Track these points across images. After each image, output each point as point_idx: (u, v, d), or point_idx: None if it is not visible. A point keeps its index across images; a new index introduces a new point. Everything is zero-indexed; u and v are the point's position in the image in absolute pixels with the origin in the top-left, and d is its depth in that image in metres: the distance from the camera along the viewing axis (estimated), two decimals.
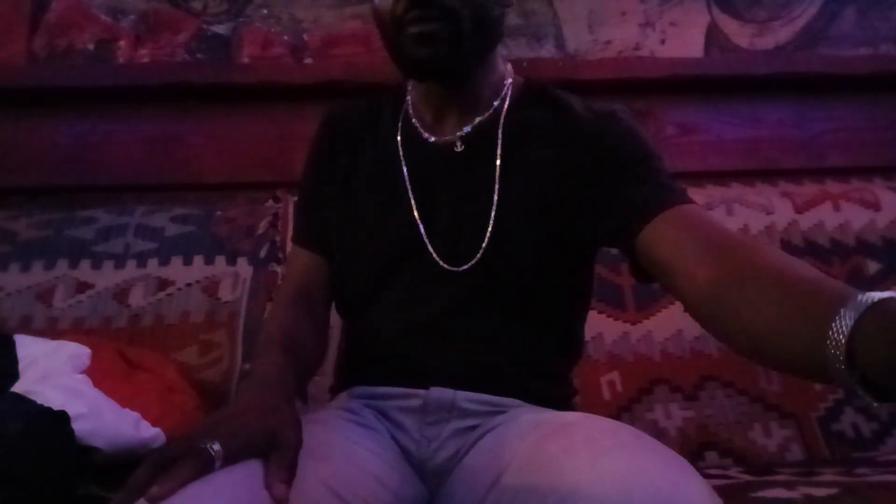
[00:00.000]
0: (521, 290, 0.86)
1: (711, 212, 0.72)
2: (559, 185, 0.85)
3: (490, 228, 0.84)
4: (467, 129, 0.88)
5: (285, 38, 1.60)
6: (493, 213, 0.84)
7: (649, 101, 1.62)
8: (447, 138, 0.88)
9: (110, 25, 1.59)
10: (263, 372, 0.77)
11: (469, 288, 0.85)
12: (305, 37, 1.60)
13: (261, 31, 1.60)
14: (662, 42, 1.65)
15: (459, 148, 0.88)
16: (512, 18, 1.63)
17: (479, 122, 0.88)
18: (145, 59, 1.58)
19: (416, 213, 0.86)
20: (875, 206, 1.43)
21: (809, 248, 1.37)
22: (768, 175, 1.57)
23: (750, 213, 1.41)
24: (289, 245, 1.12)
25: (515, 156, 0.87)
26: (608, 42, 1.64)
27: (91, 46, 1.58)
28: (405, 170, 0.89)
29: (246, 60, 1.59)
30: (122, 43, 1.58)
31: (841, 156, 1.63)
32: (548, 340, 0.89)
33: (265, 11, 1.60)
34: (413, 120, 0.91)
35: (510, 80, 0.91)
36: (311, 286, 0.93)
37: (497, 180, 0.85)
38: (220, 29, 1.60)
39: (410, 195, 0.87)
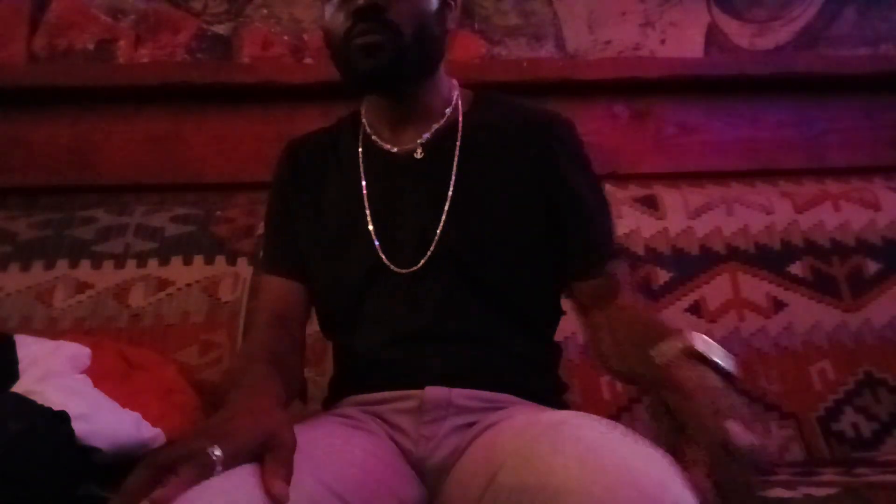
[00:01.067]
0: (489, 281, 0.89)
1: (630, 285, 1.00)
2: (515, 181, 0.91)
3: (441, 225, 0.88)
4: (427, 135, 0.93)
5: (285, 38, 1.60)
6: (445, 211, 0.89)
7: (649, 101, 1.62)
8: (407, 147, 0.93)
9: (110, 25, 1.59)
10: (251, 380, 0.77)
11: (438, 288, 0.88)
12: (305, 37, 1.60)
13: (261, 31, 1.60)
14: (662, 42, 1.65)
15: (420, 155, 0.92)
16: (512, 18, 1.63)
17: (437, 129, 0.93)
18: (145, 59, 1.58)
19: (370, 226, 0.91)
20: (875, 206, 1.43)
21: (809, 248, 1.37)
22: (768, 175, 1.56)
23: (750, 213, 1.41)
24: None
25: (472, 157, 0.92)
26: (608, 42, 1.64)
27: (91, 46, 1.58)
28: (364, 184, 0.93)
29: (246, 60, 1.59)
30: (122, 43, 1.58)
31: (841, 156, 1.63)
32: (526, 335, 0.91)
33: (265, 11, 1.60)
34: (373, 136, 0.96)
35: (457, 92, 0.97)
36: (287, 311, 0.93)
37: (452, 180, 0.90)
38: (220, 29, 1.60)
39: (367, 209, 0.92)
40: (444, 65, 0.95)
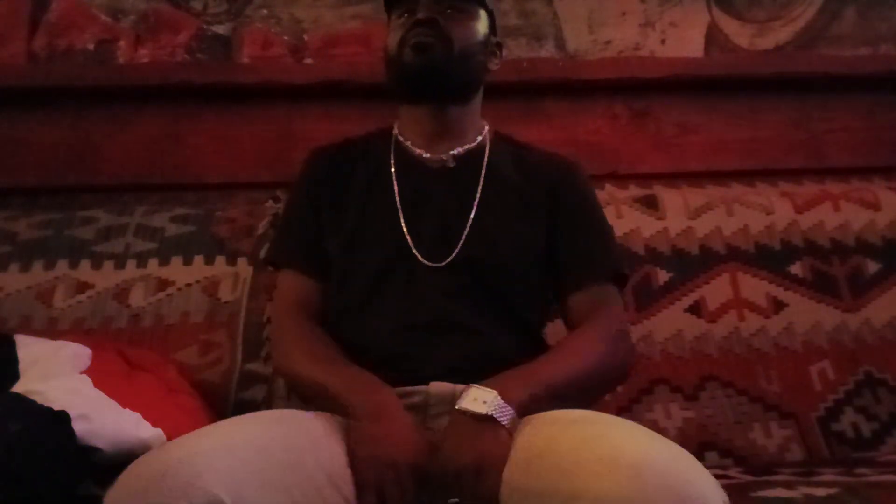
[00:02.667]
0: (499, 285, 0.95)
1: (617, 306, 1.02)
2: (529, 204, 1.00)
3: (467, 228, 0.96)
4: (459, 149, 1.02)
5: (285, 38, 1.60)
6: (471, 216, 0.96)
7: (649, 101, 1.62)
8: (441, 156, 1.01)
9: (110, 25, 1.59)
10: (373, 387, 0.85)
11: (454, 284, 0.93)
12: (305, 37, 1.60)
13: (261, 31, 1.60)
14: (662, 42, 1.65)
15: (452, 164, 1.01)
16: (512, 18, 1.63)
17: (468, 148, 1.03)
18: (145, 59, 1.58)
19: (402, 219, 0.97)
20: (875, 206, 1.43)
21: (809, 248, 1.37)
22: (768, 175, 1.57)
23: (750, 213, 1.41)
24: None
25: (496, 175, 1.02)
26: (608, 42, 1.64)
27: (91, 46, 1.58)
28: (395, 184, 1.01)
29: (246, 60, 1.59)
30: (122, 43, 1.58)
31: (841, 156, 1.63)
32: (526, 337, 0.97)
33: (265, 11, 1.60)
34: (407, 143, 1.03)
35: (488, 127, 1.08)
36: (308, 307, 0.99)
37: (479, 192, 0.99)
38: (220, 29, 1.60)
39: (398, 205, 0.98)
40: (480, 102, 1.07)
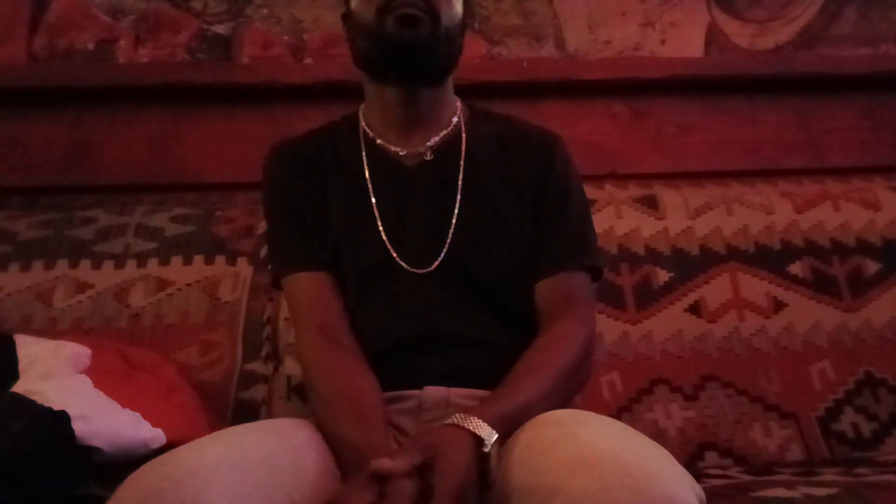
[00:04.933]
0: (490, 286, 0.91)
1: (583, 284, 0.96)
2: (513, 192, 0.95)
3: (452, 229, 0.91)
4: (435, 139, 0.95)
5: (285, 38, 1.60)
6: (455, 215, 0.91)
7: (649, 101, 1.62)
8: (416, 149, 0.95)
9: (110, 25, 1.59)
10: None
11: (443, 291, 0.89)
12: (305, 37, 1.61)
13: (261, 31, 1.60)
14: (662, 42, 1.65)
15: (430, 157, 0.94)
16: (512, 18, 1.63)
17: (444, 135, 0.96)
18: (145, 59, 1.58)
19: (381, 227, 0.92)
20: (875, 206, 1.43)
21: (809, 248, 1.37)
22: (768, 175, 1.56)
23: (750, 213, 1.41)
24: None
25: (478, 164, 0.95)
26: (608, 42, 1.64)
27: (91, 46, 1.58)
28: (370, 186, 0.94)
29: (246, 60, 1.59)
30: (122, 43, 1.58)
31: (841, 156, 1.63)
32: (521, 338, 0.92)
33: (265, 11, 1.60)
34: (378, 140, 0.96)
35: (460, 104, 1.01)
36: (330, 313, 0.91)
37: (460, 186, 0.93)
38: (220, 29, 1.60)
39: (375, 209, 0.93)
40: (452, 83, 0.99)
